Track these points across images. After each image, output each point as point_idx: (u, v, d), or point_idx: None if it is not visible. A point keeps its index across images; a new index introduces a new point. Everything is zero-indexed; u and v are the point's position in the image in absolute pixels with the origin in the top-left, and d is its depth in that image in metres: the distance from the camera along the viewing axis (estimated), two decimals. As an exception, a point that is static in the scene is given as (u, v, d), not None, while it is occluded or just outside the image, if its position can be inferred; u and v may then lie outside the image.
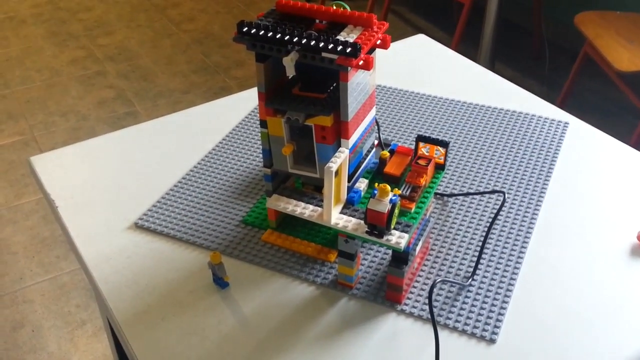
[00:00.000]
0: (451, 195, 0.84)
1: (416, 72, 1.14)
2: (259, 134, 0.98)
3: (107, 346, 1.57)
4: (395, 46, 1.22)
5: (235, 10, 3.31)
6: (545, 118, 1.00)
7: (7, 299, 1.71)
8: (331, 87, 0.71)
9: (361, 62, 0.64)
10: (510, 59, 2.78)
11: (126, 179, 0.90)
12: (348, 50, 0.63)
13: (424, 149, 0.73)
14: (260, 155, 0.93)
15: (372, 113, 0.76)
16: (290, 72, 0.65)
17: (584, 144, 0.95)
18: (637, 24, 2.11)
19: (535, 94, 1.07)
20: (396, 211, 0.64)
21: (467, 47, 2.77)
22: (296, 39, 0.65)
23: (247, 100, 1.07)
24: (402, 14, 3.23)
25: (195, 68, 2.79)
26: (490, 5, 2.47)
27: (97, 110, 2.50)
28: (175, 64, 2.82)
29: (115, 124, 2.42)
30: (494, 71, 1.11)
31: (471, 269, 0.74)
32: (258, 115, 1.03)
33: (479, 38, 2.57)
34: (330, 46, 0.63)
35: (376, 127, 0.94)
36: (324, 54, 0.64)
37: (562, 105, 2.24)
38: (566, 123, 0.99)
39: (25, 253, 1.85)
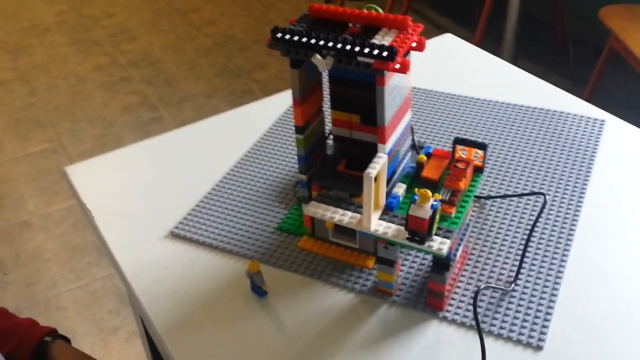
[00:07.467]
0: (489, 197, 0.83)
1: (445, 72, 1.13)
2: (292, 139, 0.98)
3: (140, 352, 1.58)
4: (423, 46, 1.21)
5: (254, 13, 3.32)
6: (581, 116, 0.98)
7: (41, 306, 1.73)
8: None
9: (398, 66, 0.64)
10: (533, 54, 2.74)
11: (160, 188, 0.90)
12: (384, 54, 0.62)
13: (461, 152, 0.72)
14: (293, 161, 0.93)
15: (408, 116, 0.75)
16: (323, 69, 0.65)
17: (622, 142, 0.93)
18: (665, 16, 2.06)
19: (559, 89, 1.05)
20: (437, 217, 0.63)
21: (489, 43, 2.73)
22: (331, 43, 0.64)
23: (274, 106, 1.06)
24: (421, 11, 3.21)
25: (218, 71, 2.80)
26: (513, 1, 2.43)
27: (123, 116, 2.52)
28: (198, 68, 2.83)
29: (140, 129, 2.44)
30: (517, 67, 1.10)
31: (513, 273, 0.72)
32: (287, 120, 1.02)
33: (501, 34, 2.53)
34: (367, 50, 0.63)
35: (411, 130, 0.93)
36: (359, 59, 0.63)
37: (589, 100, 2.20)
38: (602, 121, 0.97)
39: (57, 260, 1.87)
